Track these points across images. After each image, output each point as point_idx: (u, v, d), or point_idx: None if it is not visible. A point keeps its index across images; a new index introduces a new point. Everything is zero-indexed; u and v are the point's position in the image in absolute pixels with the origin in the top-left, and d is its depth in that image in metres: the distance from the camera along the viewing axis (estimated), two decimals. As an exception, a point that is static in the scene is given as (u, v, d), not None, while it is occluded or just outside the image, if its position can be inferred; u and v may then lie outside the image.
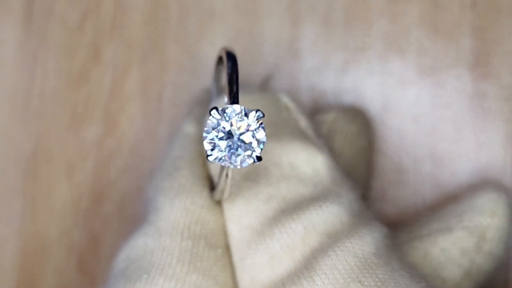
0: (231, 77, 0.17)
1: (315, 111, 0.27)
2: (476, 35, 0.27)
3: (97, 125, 0.28)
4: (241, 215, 0.19)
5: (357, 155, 0.24)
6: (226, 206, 0.19)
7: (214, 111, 0.16)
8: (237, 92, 0.17)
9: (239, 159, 0.16)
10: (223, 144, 0.16)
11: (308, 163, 0.19)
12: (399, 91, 0.27)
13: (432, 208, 0.26)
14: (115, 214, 0.28)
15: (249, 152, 0.16)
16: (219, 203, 0.20)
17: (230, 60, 0.18)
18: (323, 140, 0.21)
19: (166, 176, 0.21)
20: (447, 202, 0.24)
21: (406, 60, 0.27)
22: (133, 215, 0.28)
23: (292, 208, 0.18)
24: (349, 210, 0.18)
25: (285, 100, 0.22)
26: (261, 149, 0.16)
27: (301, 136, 0.20)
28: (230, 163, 0.16)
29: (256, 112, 0.16)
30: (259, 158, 0.16)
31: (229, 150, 0.16)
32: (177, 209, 0.20)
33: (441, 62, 0.27)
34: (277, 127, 0.20)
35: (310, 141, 0.20)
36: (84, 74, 0.28)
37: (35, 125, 0.28)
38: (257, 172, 0.19)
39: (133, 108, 0.28)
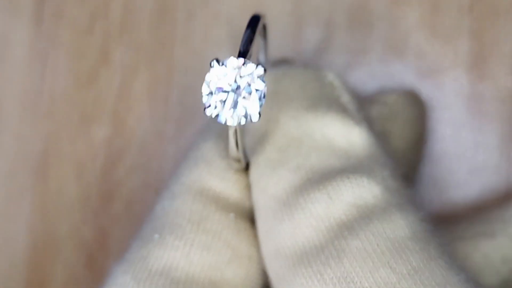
0: (246, 34, 0.17)
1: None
2: (473, 38, 0.27)
3: (106, 125, 0.29)
4: (267, 185, 0.18)
5: (415, 140, 0.24)
6: (253, 177, 0.19)
7: (214, 61, 0.15)
8: (246, 50, 0.16)
9: (235, 115, 0.15)
10: (218, 98, 0.15)
11: (343, 135, 0.18)
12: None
13: (476, 209, 0.26)
14: (123, 212, 0.28)
15: (243, 110, 0.15)
16: (243, 175, 0.19)
17: (251, 21, 0.17)
18: (364, 114, 0.20)
19: (194, 146, 0.21)
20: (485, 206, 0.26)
21: (406, 62, 0.28)
22: (141, 212, 0.28)
23: (319, 178, 0.17)
24: (382, 185, 0.17)
25: (331, 77, 0.20)
26: (260, 106, 0.15)
27: (339, 109, 0.19)
28: (226, 119, 0.15)
29: (257, 66, 0.15)
30: (254, 116, 0.15)
31: (223, 105, 0.15)
32: (193, 176, 0.19)
33: (440, 64, 0.28)
34: (316, 99, 0.19)
35: (349, 114, 0.19)
36: (93, 75, 0.29)
37: (45, 125, 0.29)
38: (288, 143, 0.18)
39: (141, 109, 0.29)
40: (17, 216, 0.29)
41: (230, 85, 0.15)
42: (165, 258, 0.18)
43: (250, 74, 0.15)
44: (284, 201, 0.17)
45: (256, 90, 0.15)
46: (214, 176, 0.19)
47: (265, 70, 0.15)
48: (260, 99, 0.15)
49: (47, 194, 0.29)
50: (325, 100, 0.19)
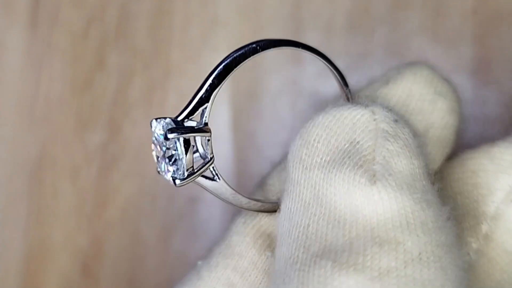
0: (205, 86, 0.17)
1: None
2: (477, 42, 0.27)
3: (101, 131, 0.28)
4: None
5: (456, 133, 0.20)
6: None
7: (153, 120, 0.17)
8: (190, 111, 0.17)
9: (167, 173, 0.16)
10: (155, 154, 0.17)
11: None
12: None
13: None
14: (118, 219, 0.28)
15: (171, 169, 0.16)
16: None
17: (220, 70, 0.17)
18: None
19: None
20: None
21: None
22: (136, 219, 0.28)
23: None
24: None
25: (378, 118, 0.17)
26: (177, 171, 0.16)
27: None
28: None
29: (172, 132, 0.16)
30: (174, 180, 0.16)
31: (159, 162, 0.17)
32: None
33: (442, 69, 0.27)
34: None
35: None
36: (88, 80, 0.28)
37: (40, 130, 0.28)
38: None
39: (137, 114, 0.28)
40: (12, 222, 0.28)
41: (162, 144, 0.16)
42: None
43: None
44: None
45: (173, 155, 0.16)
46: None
47: (184, 138, 0.16)
48: (176, 164, 0.16)
49: (42, 200, 0.28)
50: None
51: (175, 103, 0.28)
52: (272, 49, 0.18)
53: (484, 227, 0.17)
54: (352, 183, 0.14)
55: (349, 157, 0.15)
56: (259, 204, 0.18)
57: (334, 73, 0.18)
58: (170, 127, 0.16)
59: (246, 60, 0.17)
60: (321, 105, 0.18)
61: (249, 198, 0.18)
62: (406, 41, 0.27)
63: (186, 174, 0.16)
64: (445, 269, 0.13)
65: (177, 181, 0.16)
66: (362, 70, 0.27)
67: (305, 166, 0.16)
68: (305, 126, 0.16)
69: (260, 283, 0.18)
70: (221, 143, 0.28)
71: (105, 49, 0.28)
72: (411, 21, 0.27)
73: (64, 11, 0.29)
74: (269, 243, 0.18)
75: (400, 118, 0.16)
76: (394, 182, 0.14)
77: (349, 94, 0.18)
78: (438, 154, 0.19)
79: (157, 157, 0.17)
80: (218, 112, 0.28)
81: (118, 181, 0.28)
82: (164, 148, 0.16)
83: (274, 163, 0.20)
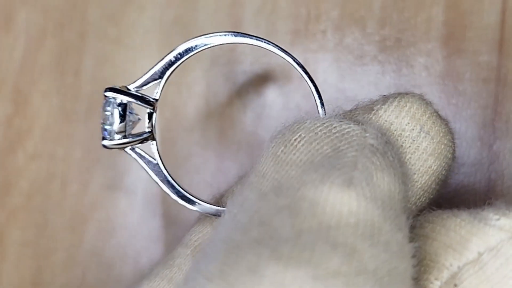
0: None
1: (259, 90, 0.23)
2: (450, 4, 0.22)
3: (5, 102, 0.24)
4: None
5: (444, 174, 0.18)
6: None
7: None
8: (142, 83, 0.17)
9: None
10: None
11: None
12: (358, 69, 0.23)
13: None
14: (22, 206, 0.24)
15: None
16: None
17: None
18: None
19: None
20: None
21: (367, 32, 0.23)
22: (42, 207, 0.23)
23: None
24: None
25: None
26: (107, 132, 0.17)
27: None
28: None
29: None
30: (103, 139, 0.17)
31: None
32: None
33: (409, 35, 0.23)
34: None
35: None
36: (-8, 42, 0.24)
37: None
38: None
39: (47, 83, 0.24)
40: None
41: None
42: None
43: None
44: None
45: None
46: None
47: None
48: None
49: None
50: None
51: (91, 70, 0.24)
52: (240, 42, 0.17)
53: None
54: (324, 180, 0.13)
55: (329, 161, 0.14)
56: (203, 205, 0.17)
57: (313, 91, 0.18)
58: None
59: (208, 46, 0.17)
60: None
61: (186, 191, 0.18)
62: (368, 2, 0.23)
63: (116, 136, 0.17)
64: None
65: (105, 141, 0.17)
66: (314, 36, 0.23)
67: (277, 162, 0.15)
68: (288, 126, 0.16)
69: None
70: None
71: (12, 5, 0.24)
72: (373, -22, 0.23)
73: (-34, -40, 0.24)
74: None
75: (390, 142, 0.15)
76: (370, 193, 0.13)
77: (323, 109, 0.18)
78: (412, 199, 0.17)
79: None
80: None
81: (23, 162, 0.24)
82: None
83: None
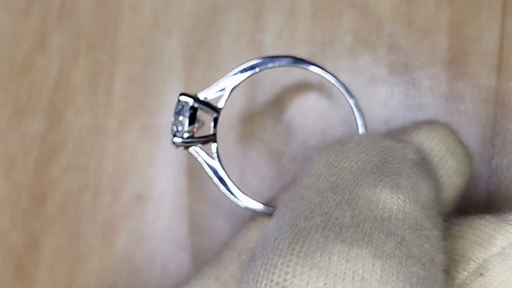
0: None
1: (278, 108, 0.25)
2: (453, 32, 0.24)
3: (40, 118, 0.25)
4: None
5: (463, 188, 0.21)
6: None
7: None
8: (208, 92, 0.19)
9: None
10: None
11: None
12: (369, 90, 0.25)
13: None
14: (57, 215, 0.25)
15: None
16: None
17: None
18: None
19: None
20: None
21: (377, 56, 0.25)
22: (76, 216, 0.25)
23: None
24: None
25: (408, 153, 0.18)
26: (178, 132, 0.19)
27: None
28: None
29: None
30: (173, 137, 0.19)
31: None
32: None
33: (415, 59, 0.24)
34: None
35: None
36: (28, 62, 0.26)
37: (-27, 117, 0.26)
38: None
39: (80, 101, 0.25)
40: None
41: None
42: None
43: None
44: None
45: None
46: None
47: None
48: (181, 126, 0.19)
49: (-26, 194, 0.25)
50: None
51: (122, 89, 0.25)
52: (299, 66, 0.20)
53: None
54: (376, 183, 0.16)
55: (378, 169, 0.16)
56: (252, 202, 0.19)
57: (355, 112, 0.20)
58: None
59: (269, 67, 0.19)
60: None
61: (244, 193, 0.19)
62: (377, 28, 0.25)
63: (185, 135, 0.18)
64: (435, 276, 0.15)
65: (175, 139, 0.18)
66: (329, 59, 0.25)
67: (329, 168, 0.17)
68: (337, 140, 0.18)
69: None
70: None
71: (47, 28, 0.26)
72: (383, 6, 0.25)
73: (3, -15, 0.26)
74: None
75: (425, 159, 0.18)
76: (414, 196, 0.16)
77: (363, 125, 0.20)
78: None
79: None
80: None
81: (57, 174, 0.25)
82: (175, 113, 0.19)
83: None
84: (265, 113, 0.25)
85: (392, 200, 0.15)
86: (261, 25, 0.25)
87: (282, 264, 0.14)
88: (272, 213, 0.19)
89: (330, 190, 0.16)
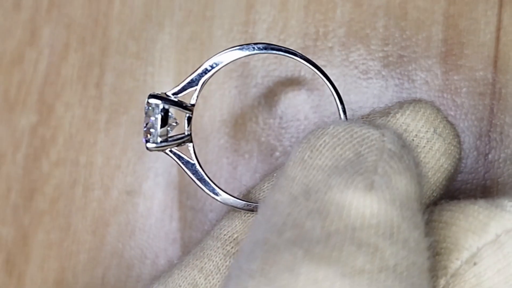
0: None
1: (270, 102, 0.24)
2: (449, 24, 0.24)
3: (30, 112, 0.25)
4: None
5: (452, 172, 0.19)
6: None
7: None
8: (179, 89, 0.18)
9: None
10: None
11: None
12: (363, 83, 0.24)
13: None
14: (47, 210, 0.25)
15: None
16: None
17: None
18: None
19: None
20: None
21: (372, 48, 0.24)
22: (66, 211, 0.25)
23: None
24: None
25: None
26: (151, 136, 0.18)
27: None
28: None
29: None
30: (146, 143, 0.18)
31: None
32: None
33: (410, 52, 0.24)
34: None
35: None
36: (18, 56, 0.25)
37: (-37, 111, 0.25)
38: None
39: (70, 95, 0.25)
40: None
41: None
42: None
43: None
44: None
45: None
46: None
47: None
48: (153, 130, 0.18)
49: (-36, 188, 0.25)
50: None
51: (112, 83, 0.25)
52: (270, 52, 0.19)
53: (442, 282, 0.16)
54: (348, 185, 0.15)
55: (352, 165, 0.15)
56: (232, 199, 0.18)
57: (333, 94, 0.19)
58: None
59: (242, 57, 0.18)
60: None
61: (224, 191, 0.19)
62: (371, 19, 0.24)
63: (159, 139, 0.18)
64: (414, 287, 0.14)
65: (149, 144, 0.18)
66: (322, 51, 0.24)
67: (304, 166, 0.16)
68: (313, 132, 0.16)
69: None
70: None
71: (37, 21, 0.25)
72: (377, -2, 0.24)
73: (-7, -22, 0.26)
74: (237, 250, 0.19)
75: (406, 146, 0.16)
76: (389, 196, 0.14)
77: (344, 115, 0.19)
78: (425, 195, 0.18)
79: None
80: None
81: (47, 169, 0.25)
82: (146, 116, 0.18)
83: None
84: (257, 107, 0.24)
85: (365, 204, 0.14)
86: (253, 18, 0.24)
87: (252, 286, 0.13)
88: (254, 209, 0.19)
89: (303, 195, 0.15)
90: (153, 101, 0.18)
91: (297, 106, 0.24)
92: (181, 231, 0.24)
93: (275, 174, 0.20)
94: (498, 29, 0.24)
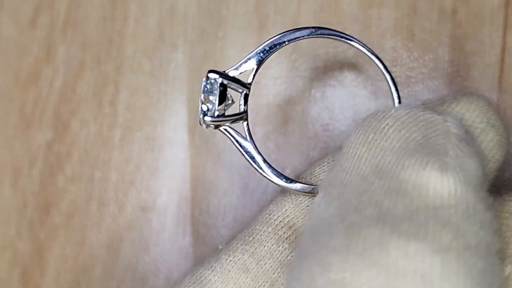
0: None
1: (282, 122, 0.25)
2: (455, 45, 0.24)
3: (46, 129, 0.25)
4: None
5: (502, 162, 0.20)
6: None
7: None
8: (237, 66, 0.19)
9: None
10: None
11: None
12: (372, 103, 0.25)
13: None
14: (62, 225, 0.25)
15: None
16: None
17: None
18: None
19: None
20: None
21: (380, 69, 0.25)
22: (81, 226, 0.25)
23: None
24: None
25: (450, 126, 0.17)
26: (208, 111, 0.18)
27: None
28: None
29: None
30: (204, 116, 0.18)
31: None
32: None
33: (417, 72, 0.24)
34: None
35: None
36: (34, 73, 0.26)
37: (-20, 127, 0.26)
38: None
39: (85, 112, 0.25)
40: None
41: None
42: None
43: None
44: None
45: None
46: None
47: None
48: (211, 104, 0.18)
49: (-20, 203, 0.25)
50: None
51: (127, 100, 0.25)
52: (325, 36, 0.19)
53: (508, 270, 0.16)
54: (424, 165, 0.15)
55: (422, 147, 0.15)
56: (282, 178, 0.18)
57: (389, 83, 0.20)
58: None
59: (298, 39, 0.19)
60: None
61: (274, 169, 0.18)
62: (379, 41, 0.25)
63: (216, 113, 0.18)
64: (493, 266, 0.14)
65: (206, 118, 0.18)
66: (332, 72, 0.25)
67: (369, 148, 0.16)
68: (373, 115, 0.17)
69: (274, 273, 0.18)
70: (177, 147, 0.25)
71: (53, 39, 0.26)
72: (386, 20, 0.24)
73: (10, -4, 0.26)
74: (289, 235, 0.18)
75: (469, 132, 0.17)
76: (464, 178, 0.15)
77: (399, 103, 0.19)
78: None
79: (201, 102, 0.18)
80: (175, 113, 0.25)
81: (63, 184, 0.25)
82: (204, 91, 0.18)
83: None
84: (268, 124, 0.25)
85: (443, 184, 0.14)
86: (265, 38, 0.25)
87: (339, 261, 0.13)
88: (313, 192, 0.18)
89: (375, 174, 0.15)
90: (212, 75, 0.18)
91: (306, 126, 0.25)
92: (193, 246, 0.25)
93: (326, 160, 0.20)
94: (503, 51, 0.24)
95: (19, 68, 0.26)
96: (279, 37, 0.19)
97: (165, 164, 0.25)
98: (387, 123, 0.16)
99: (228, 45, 0.25)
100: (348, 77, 0.25)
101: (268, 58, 0.19)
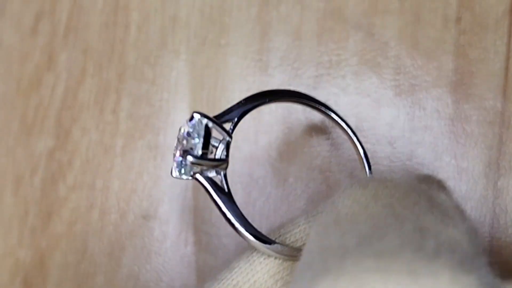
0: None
1: (285, 130, 0.25)
2: (459, 53, 0.24)
3: (47, 136, 0.25)
4: None
5: None
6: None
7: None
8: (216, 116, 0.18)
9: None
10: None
11: None
12: (375, 111, 0.24)
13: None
14: (64, 233, 0.25)
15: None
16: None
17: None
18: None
19: None
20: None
21: (383, 77, 0.24)
22: (83, 234, 0.25)
23: None
24: None
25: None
26: (192, 150, 0.17)
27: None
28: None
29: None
30: (186, 156, 0.17)
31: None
32: None
33: (421, 80, 0.24)
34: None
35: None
36: (35, 81, 0.26)
37: (-19, 134, 0.26)
38: None
39: (87, 119, 0.25)
40: (-51, 233, 0.26)
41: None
42: None
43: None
44: None
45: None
46: None
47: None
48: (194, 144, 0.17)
49: (-18, 210, 0.25)
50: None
51: (129, 108, 0.25)
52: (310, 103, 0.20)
53: None
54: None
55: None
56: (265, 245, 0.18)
57: (361, 155, 0.20)
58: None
59: (279, 102, 0.20)
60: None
61: (257, 231, 0.18)
62: (383, 49, 0.24)
63: (200, 153, 0.17)
64: None
65: (189, 157, 0.17)
66: (335, 80, 0.25)
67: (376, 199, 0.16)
68: (360, 180, 0.17)
69: None
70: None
71: (54, 46, 0.26)
72: (389, 28, 0.24)
73: (12, 4, 0.26)
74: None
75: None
76: (456, 261, 0.13)
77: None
78: None
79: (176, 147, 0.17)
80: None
81: (64, 192, 0.25)
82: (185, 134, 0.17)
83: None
84: (271, 133, 0.25)
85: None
86: (267, 46, 0.25)
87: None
88: (295, 256, 0.18)
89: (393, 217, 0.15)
90: (198, 116, 0.17)
91: (312, 139, 0.25)
92: (196, 255, 0.25)
93: (301, 219, 0.19)
94: (507, 58, 0.24)
95: (20, 75, 0.25)
96: (262, 93, 0.19)
97: (167, 172, 0.25)
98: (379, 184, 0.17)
99: (231, 53, 0.25)
100: (351, 85, 0.24)
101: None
